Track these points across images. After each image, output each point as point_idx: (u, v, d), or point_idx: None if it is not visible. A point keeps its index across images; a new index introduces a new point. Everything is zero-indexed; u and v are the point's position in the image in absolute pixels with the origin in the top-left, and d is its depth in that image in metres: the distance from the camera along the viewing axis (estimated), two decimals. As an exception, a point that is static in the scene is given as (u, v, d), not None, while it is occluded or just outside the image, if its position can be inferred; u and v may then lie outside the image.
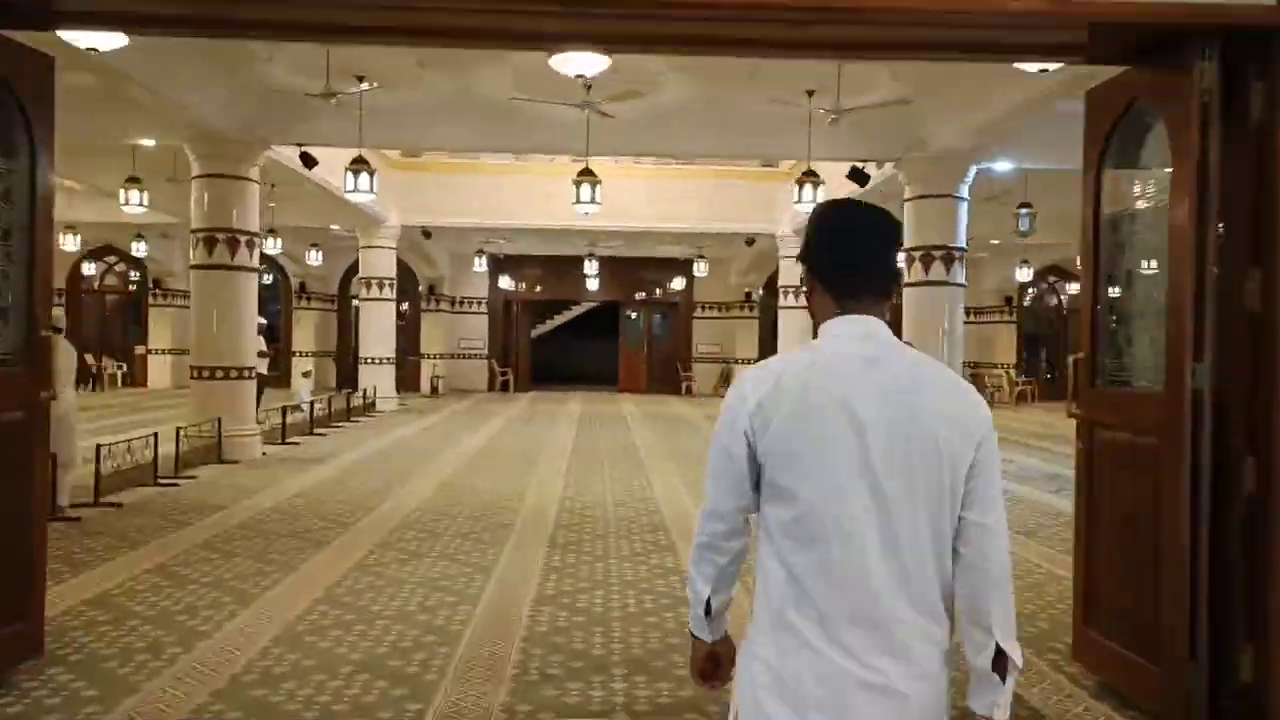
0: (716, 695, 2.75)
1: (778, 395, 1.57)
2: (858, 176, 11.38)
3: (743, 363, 25.37)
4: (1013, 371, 25.29)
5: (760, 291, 25.64)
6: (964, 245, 11.15)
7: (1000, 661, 1.57)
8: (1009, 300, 25.96)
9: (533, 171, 18.51)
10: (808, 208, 10.01)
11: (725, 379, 26.06)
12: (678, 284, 25.72)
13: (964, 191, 11.11)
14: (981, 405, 1.62)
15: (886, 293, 1.67)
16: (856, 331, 1.62)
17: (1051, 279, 26.64)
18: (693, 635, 1.77)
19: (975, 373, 26.22)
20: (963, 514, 1.58)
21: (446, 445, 12.87)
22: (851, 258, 1.65)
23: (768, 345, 25.85)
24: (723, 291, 25.85)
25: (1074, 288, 24.35)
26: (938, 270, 11.05)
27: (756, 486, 1.62)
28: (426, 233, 18.58)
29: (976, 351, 26.34)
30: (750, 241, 19.55)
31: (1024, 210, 12.56)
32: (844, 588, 1.54)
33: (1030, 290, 26.67)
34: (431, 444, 13.07)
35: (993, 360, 25.82)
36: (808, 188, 11.35)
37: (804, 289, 1.75)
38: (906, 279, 11.39)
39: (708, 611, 1.71)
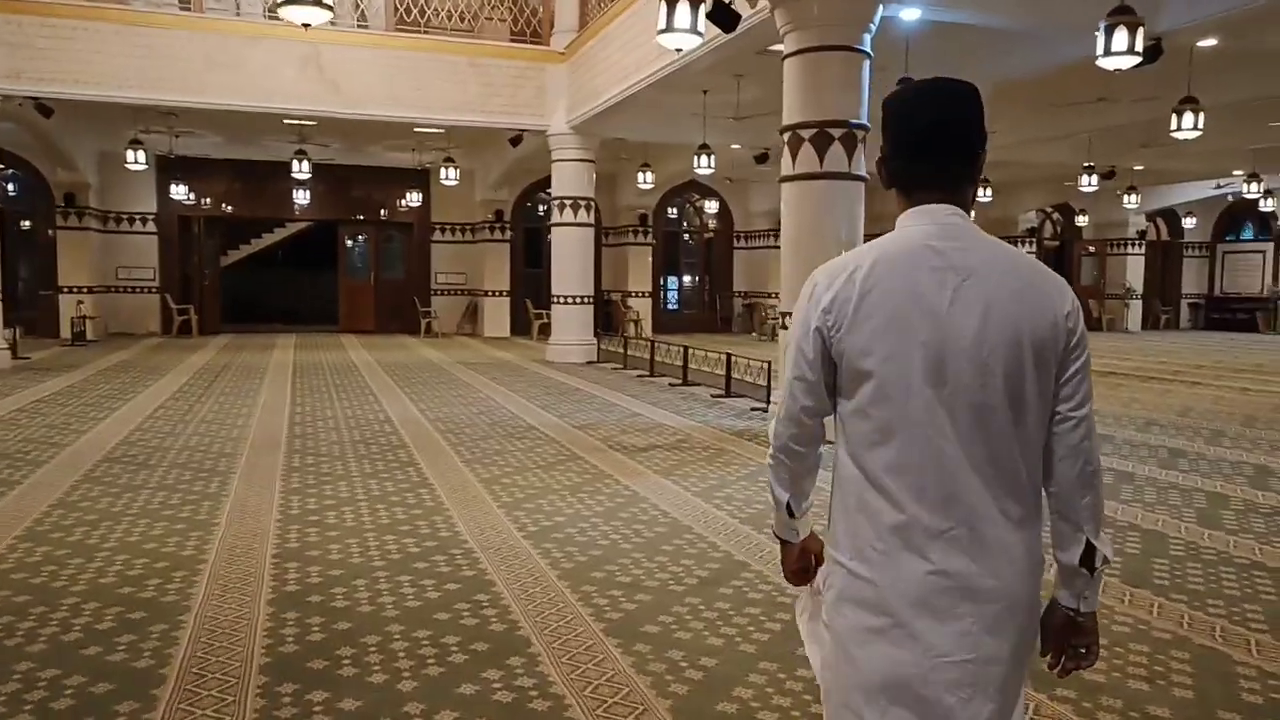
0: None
1: (849, 292, 1.52)
2: (722, 16, 7.79)
3: (494, 294, 21.33)
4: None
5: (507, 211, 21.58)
6: (867, 122, 7.95)
7: (1089, 556, 1.54)
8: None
9: (210, 27, 13.19)
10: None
11: (472, 314, 21.91)
12: (412, 200, 21.00)
13: (868, 44, 7.88)
14: (1068, 293, 1.54)
15: (960, 177, 1.57)
16: (926, 223, 1.55)
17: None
18: (779, 539, 1.77)
19: (748, 303, 24.09)
20: (1056, 407, 1.52)
21: (58, 437, 7.97)
22: (911, 144, 1.57)
23: (525, 276, 22.00)
24: (467, 210, 21.52)
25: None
26: (836, 157, 7.78)
27: (833, 390, 1.58)
28: (44, 108, 12.65)
29: (748, 280, 24.16)
30: (516, 140, 15.46)
31: (906, 89, 9.67)
32: (921, 486, 1.50)
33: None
34: (15, 441, 8.08)
35: (765, 289, 23.70)
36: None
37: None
38: (789, 170, 8.04)
39: (790, 514, 1.70)
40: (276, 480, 6.29)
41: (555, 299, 15.62)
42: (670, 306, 24.60)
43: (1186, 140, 10.99)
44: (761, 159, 16.61)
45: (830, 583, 1.63)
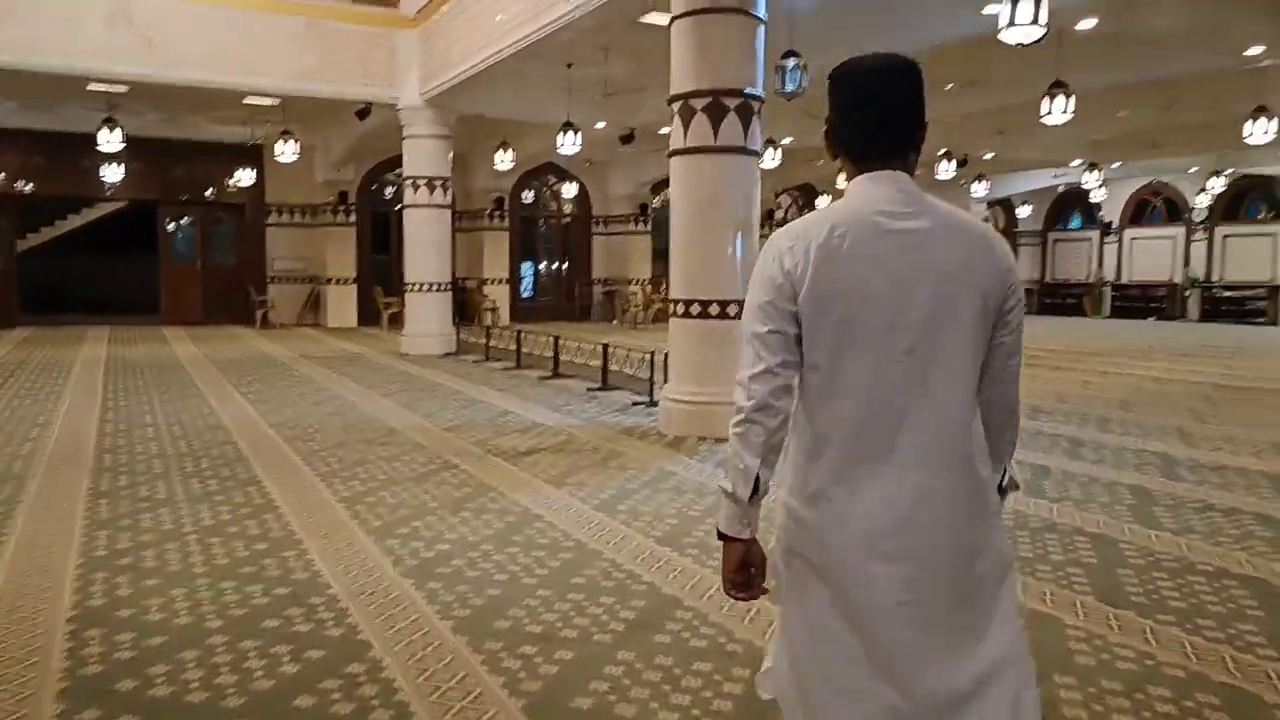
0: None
1: (809, 252, 1.59)
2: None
3: (338, 282, 19.79)
4: (649, 286, 22.78)
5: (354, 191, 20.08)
6: (762, 92, 7.35)
7: (1002, 481, 1.71)
8: (644, 208, 23.29)
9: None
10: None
11: (315, 302, 20.27)
12: (243, 179, 19.13)
13: (762, 8, 7.27)
14: (1009, 251, 1.65)
15: (901, 145, 1.64)
16: (879, 188, 1.62)
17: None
18: (724, 538, 1.69)
19: (608, 290, 23.43)
20: (992, 358, 1.64)
21: None
22: (862, 114, 1.64)
23: (373, 262, 20.52)
24: (307, 190, 19.84)
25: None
26: (731, 129, 7.14)
27: (799, 342, 1.62)
28: None
29: (608, 266, 23.52)
30: (364, 112, 14.15)
31: (791, 61, 9.13)
32: (876, 436, 1.58)
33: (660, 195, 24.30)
34: None
35: (626, 276, 23.11)
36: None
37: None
38: (679, 143, 7.35)
39: (755, 490, 1.64)
40: (79, 509, 5.10)
41: (409, 286, 14.44)
42: (527, 294, 23.64)
43: (1048, 127, 11.07)
44: (627, 139, 15.94)
45: (782, 534, 1.70)
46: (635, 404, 9.10)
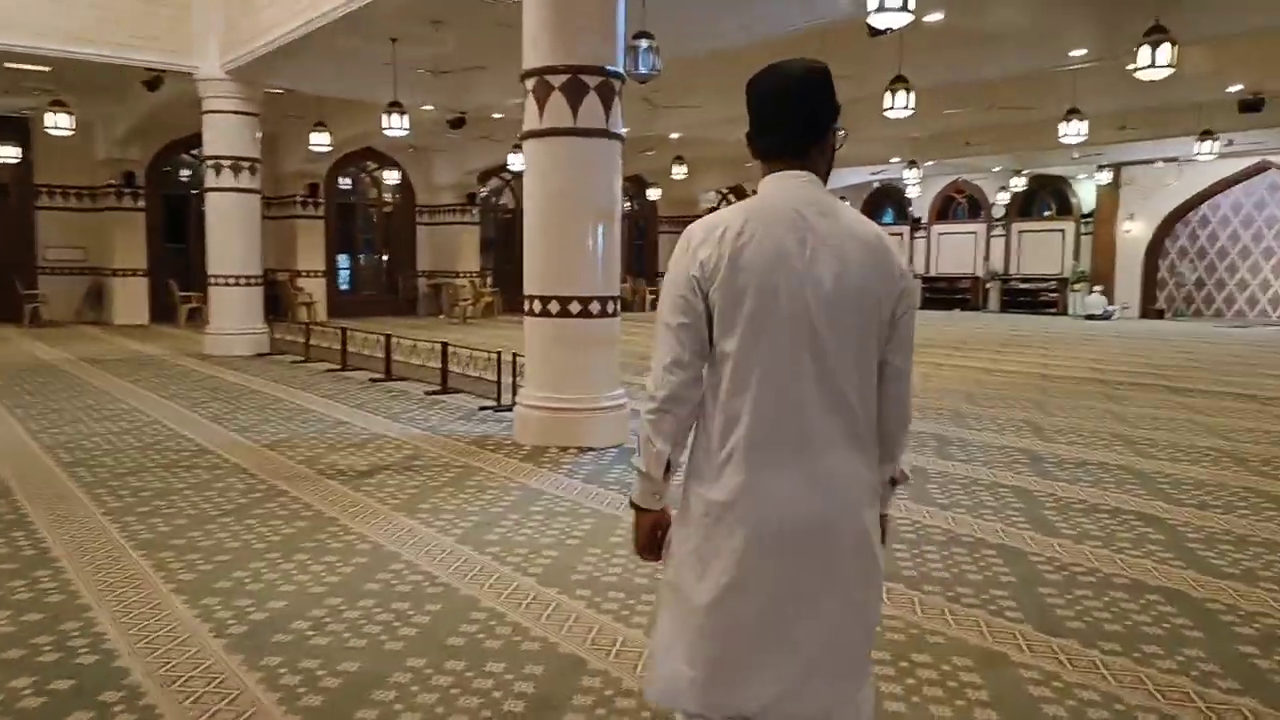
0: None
1: (723, 248, 1.65)
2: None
3: (126, 274, 17.70)
4: (478, 280, 21.84)
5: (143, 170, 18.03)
6: (623, 70, 6.79)
7: (894, 476, 1.82)
8: (472, 197, 22.26)
9: None
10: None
11: (97, 297, 18.07)
12: (6, 155, 16.69)
13: (620, -22, 6.72)
14: (902, 258, 1.73)
15: (808, 147, 1.71)
16: (789, 186, 1.70)
17: (507, 175, 23.58)
18: (637, 509, 1.79)
19: (434, 283, 22.28)
20: (885, 357, 1.72)
21: None
22: (770, 118, 1.72)
23: (168, 252, 18.49)
24: (86, 170, 17.62)
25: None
26: (592, 111, 6.54)
27: (710, 333, 1.69)
28: None
29: (433, 258, 22.37)
30: (154, 83, 12.52)
31: (644, 42, 8.58)
32: (780, 426, 1.66)
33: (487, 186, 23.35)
34: None
35: (454, 268, 22.05)
36: None
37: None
38: (534, 124, 6.68)
39: (668, 470, 1.73)
40: None
41: (213, 280, 12.95)
42: (344, 287, 22.12)
43: (875, 124, 11.17)
44: (457, 124, 15.04)
45: (692, 516, 1.75)
46: (483, 409, 8.36)
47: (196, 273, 15.69)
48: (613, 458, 6.38)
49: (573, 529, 4.74)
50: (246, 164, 12.74)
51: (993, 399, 9.17)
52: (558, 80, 6.50)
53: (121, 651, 3.21)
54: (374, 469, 6.03)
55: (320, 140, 14.87)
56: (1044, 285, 25.29)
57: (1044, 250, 25.39)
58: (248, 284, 12.93)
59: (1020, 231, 25.95)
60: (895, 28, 7.02)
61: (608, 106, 6.60)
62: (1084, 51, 10.31)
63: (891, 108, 10.44)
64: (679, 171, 19.27)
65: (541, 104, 6.56)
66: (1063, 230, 25.06)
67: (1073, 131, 12.36)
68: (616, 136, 6.71)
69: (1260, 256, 22.83)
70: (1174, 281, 23.71)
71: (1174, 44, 8.14)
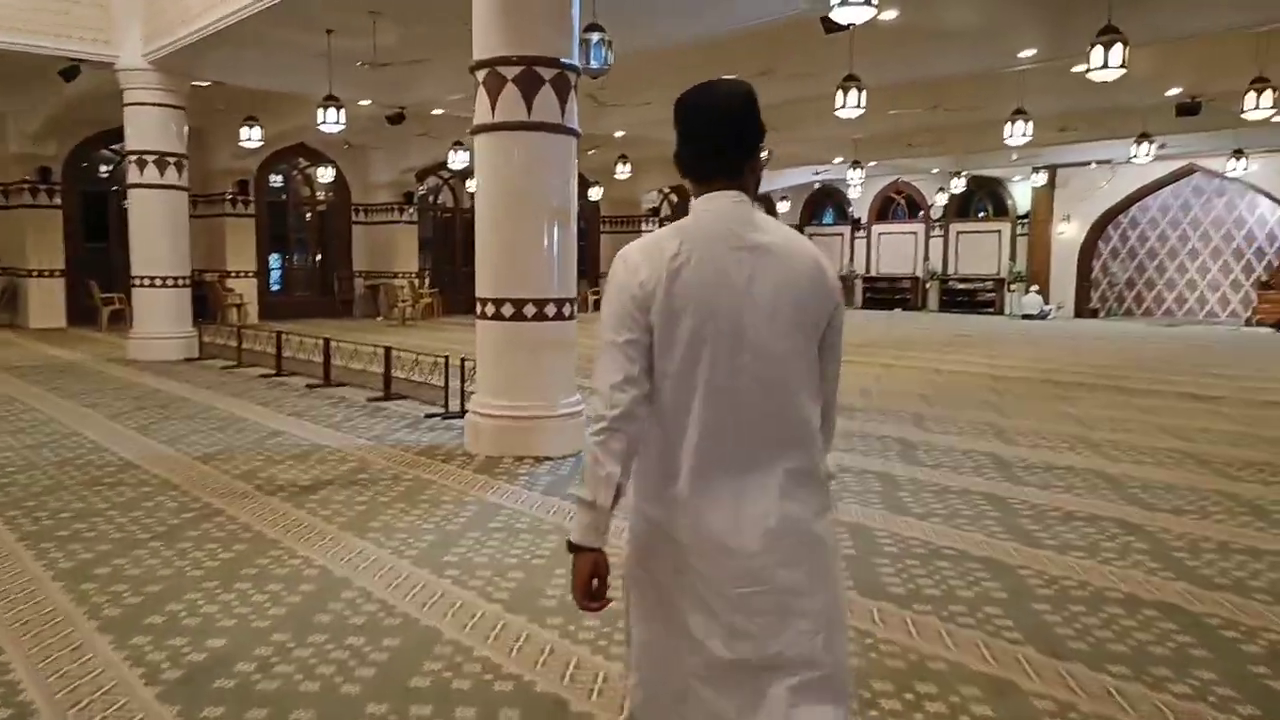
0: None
1: (662, 266, 1.67)
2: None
3: (41, 274, 16.80)
4: (417, 281, 21.28)
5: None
6: (578, 63, 6.51)
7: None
8: (409, 197, 21.68)
9: None
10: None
11: (11, 299, 17.14)
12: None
13: (575, -34, 6.43)
14: (830, 267, 1.75)
15: (740, 167, 1.74)
16: (721, 206, 1.72)
17: (445, 173, 23.04)
18: (576, 549, 1.73)
19: (371, 284, 21.66)
20: (822, 367, 1.76)
21: None
22: (699, 138, 1.75)
23: (87, 252, 17.58)
24: (-1, 165, 16.66)
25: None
26: (547, 104, 6.24)
27: (651, 351, 1.70)
28: None
29: (370, 259, 21.75)
30: (70, 73, 11.82)
31: (595, 36, 8.27)
32: (724, 443, 1.67)
33: (425, 184, 22.78)
34: None
35: (391, 269, 21.45)
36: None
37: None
38: (486, 118, 6.35)
39: (616, 497, 1.70)
40: None
41: (137, 281, 12.28)
42: (276, 288, 21.36)
43: (820, 124, 11.06)
44: (396, 120, 14.55)
45: (635, 537, 1.78)
46: (430, 417, 7.98)
47: (119, 273, 14.93)
48: (571, 467, 6.09)
49: (537, 547, 4.44)
50: (172, 159, 12.11)
51: (949, 401, 9.10)
52: (511, 72, 6.19)
53: (38, 704, 2.83)
54: (318, 484, 5.65)
55: (251, 136, 14.24)
56: (982, 285, 25.66)
57: (981, 251, 25.76)
58: (175, 285, 12.30)
59: (958, 232, 26.28)
60: (857, 22, 6.86)
61: (563, 100, 6.31)
62: (1033, 52, 10.33)
63: (843, 106, 10.31)
64: (623, 171, 19.01)
65: (493, 97, 6.24)
66: (999, 231, 25.45)
67: (1018, 132, 12.41)
68: (572, 132, 6.42)
69: (1186, 257, 23.46)
70: (1107, 281, 24.24)
71: (1126, 44, 8.15)
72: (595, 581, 1.73)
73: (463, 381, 8.00)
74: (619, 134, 17.36)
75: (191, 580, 3.94)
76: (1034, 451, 6.72)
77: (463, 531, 4.68)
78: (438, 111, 15.19)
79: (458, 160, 16.64)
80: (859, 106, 10.28)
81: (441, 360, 8.26)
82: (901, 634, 3.42)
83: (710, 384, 1.66)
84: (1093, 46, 8.29)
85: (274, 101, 14.76)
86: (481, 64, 6.30)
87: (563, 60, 6.28)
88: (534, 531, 4.70)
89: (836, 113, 10.47)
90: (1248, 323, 20.92)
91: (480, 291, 6.58)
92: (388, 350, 9.04)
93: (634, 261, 1.71)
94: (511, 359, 6.45)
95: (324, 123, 12.01)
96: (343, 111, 12.08)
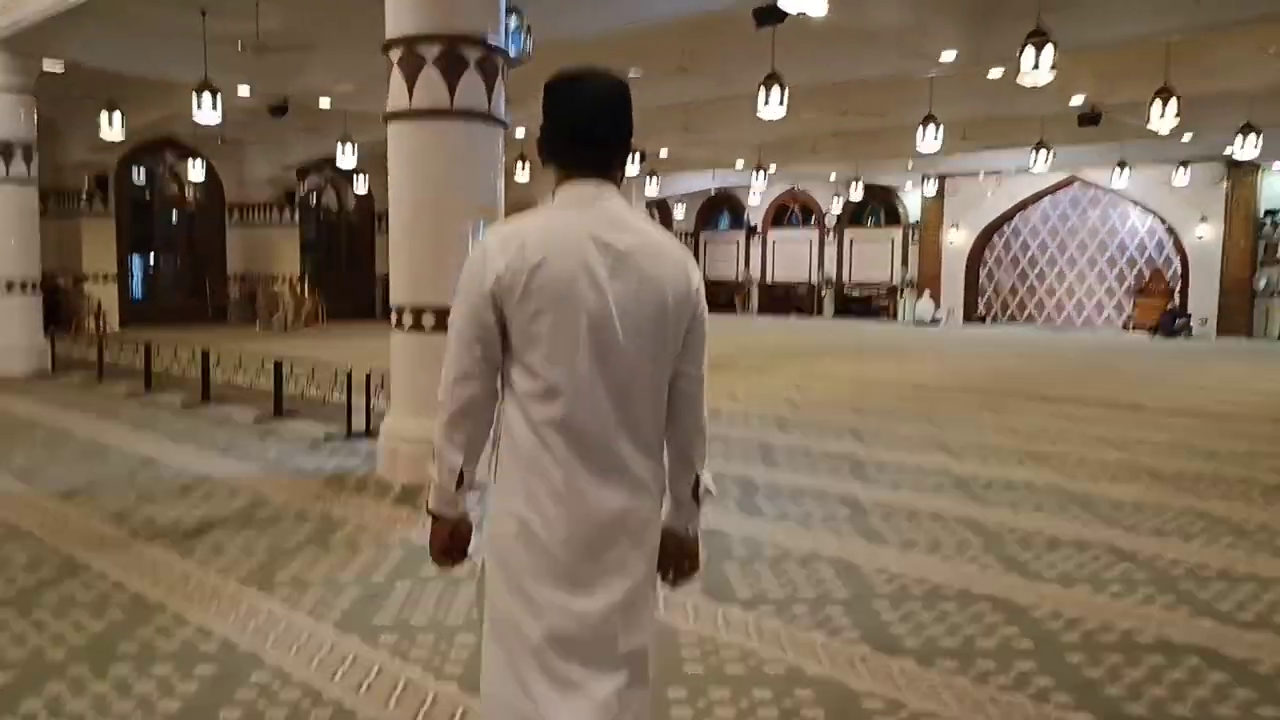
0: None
1: (522, 259, 1.62)
2: None
3: None
4: (298, 286, 19.97)
5: None
6: (506, 47, 5.84)
7: (697, 488, 1.81)
8: (290, 196, 20.33)
9: None
10: None
11: None
12: None
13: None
14: (695, 267, 1.75)
15: (611, 160, 1.71)
16: (584, 198, 1.68)
17: (329, 172, 21.76)
18: (434, 515, 1.76)
19: (248, 289, 20.21)
20: (679, 367, 1.74)
21: None
22: (573, 126, 1.69)
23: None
24: None
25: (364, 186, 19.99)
26: (472, 89, 5.55)
27: (504, 347, 1.68)
28: None
29: (246, 262, 20.30)
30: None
31: (513, 20, 7.57)
32: (583, 437, 1.65)
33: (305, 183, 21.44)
34: None
35: (270, 272, 20.07)
36: None
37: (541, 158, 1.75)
38: (401, 103, 5.62)
39: (459, 483, 1.71)
40: None
41: (-22, 285, 10.85)
42: (139, 294, 19.67)
43: (724, 126, 10.72)
44: (279, 111, 13.44)
45: (499, 530, 1.71)
46: (330, 438, 7.13)
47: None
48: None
49: (484, 602, 3.76)
50: (19, 150, 10.76)
51: (883, 413, 8.80)
52: (431, 51, 5.47)
53: None
54: (205, 525, 4.80)
55: (113, 125, 12.86)
56: (876, 292, 26.01)
57: (875, 258, 26.12)
58: (23, 290, 10.92)
59: (852, 240, 26.59)
60: (809, 13, 6.43)
61: (490, 85, 5.64)
62: (954, 55, 10.20)
63: (766, 104, 9.94)
64: (522, 174, 18.19)
65: (410, 80, 5.51)
66: (892, 239, 25.85)
67: (929, 137, 12.36)
68: (500, 122, 5.76)
69: (1065, 265, 24.31)
70: (993, 288, 24.91)
71: (1055, 46, 8.03)
72: (456, 538, 1.77)
73: (368, 398, 7.20)
74: (520, 133, 16.61)
75: (52, 665, 3.12)
76: (986, 467, 6.43)
77: (391, 582, 3.96)
78: (325, 103, 14.13)
79: (346, 158, 15.58)
80: (781, 105, 9.93)
81: (340, 374, 7.40)
82: (930, 701, 2.93)
83: (571, 380, 1.63)
84: (1023, 49, 8.15)
85: (139, 88, 13.41)
86: (396, 42, 5.57)
87: (488, 40, 5.61)
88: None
89: (759, 113, 10.09)
90: (1125, 327, 21.80)
91: (395, 298, 5.83)
92: (278, 363, 8.11)
93: (491, 253, 1.65)
94: (431, 374, 5.68)
95: (198, 112, 10.90)
96: (219, 98, 11.00)
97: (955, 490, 5.75)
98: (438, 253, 5.63)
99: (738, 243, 28.61)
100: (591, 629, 1.67)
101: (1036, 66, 8.01)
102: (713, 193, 27.69)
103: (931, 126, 12.38)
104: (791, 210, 27.77)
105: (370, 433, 7.12)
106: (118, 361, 10.20)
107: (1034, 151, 14.97)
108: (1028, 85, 8.39)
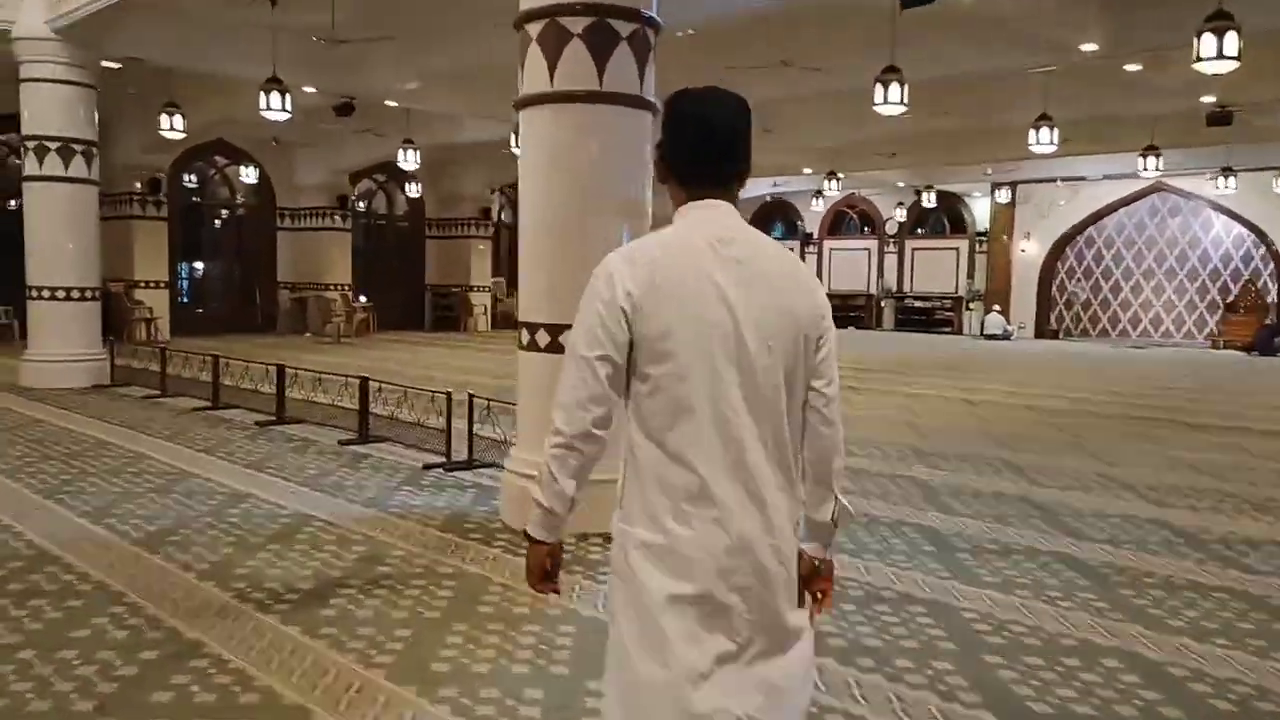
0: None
1: (649, 278, 1.60)
2: None
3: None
4: (350, 294, 19.33)
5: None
6: (656, 16, 5.03)
7: (835, 513, 1.75)
8: (342, 201, 19.69)
9: None
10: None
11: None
12: None
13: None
14: (819, 284, 1.75)
15: (733, 179, 1.72)
16: (711, 216, 1.68)
17: (381, 177, 21.15)
18: (532, 540, 1.71)
19: (299, 297, 19.57)
20: (812, 384, 1.70)
21: None
22: (700, 146, 1.69)
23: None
24: None
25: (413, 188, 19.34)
26: (622, 69, 4.74)
27: (628, 367, 1.64)
28: None
29: (297, 269, 19.67)
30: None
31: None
32: (715, 459, 1.61)
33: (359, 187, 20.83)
34: None
35: (321, 280, 19.43)
36: None
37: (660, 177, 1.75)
38: (541, 85, 4.82)
39: (570, 508, 1.67)
40: None
41: (34, 292, 10.22)
42: (185, 300, 19.10)
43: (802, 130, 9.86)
44: (344, 110, 12.76)
45: (624, 557, 1.66)
46: (430, 468, 6.35)
47: (10, 282, 12.73)
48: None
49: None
50: (80, 148, 10.12)
51: (1023, 441, 7.89)
52: (578, 24, 4.68)
53: None
54: (324, 586, 4.00)
55: (173, 125, 12.24)
56: (939, 304, 24.99)
57: (938, 269, 25.11)
58: (82, 298, 10.27)
59: (914, 249, 25.61)
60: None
61: (642, 64, 4.84)
62: (1094, 46, 9.29)
63: (883, 102, 9.10)
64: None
65: (553, 58, 4.71)
66: (956, 249, 24.85)
67: (1044, 140, 11.44)
68: (650, 106, 4.94)
69: (1141, 277, 23.19)
70: (1064, 301, 23.81)
71: (1239, 31, 7.12)
72: (552, 563, 1.71)
73: (470, 421, 6.42)
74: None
75: (181, 812, 2.31)
76: (1200, 516, 5.50)
77: (577, 679, 3.13)
78: (391, 103, 13.44)
79: (408, 160, 14.89)
80: (901, 101, 9.08)
81: (440, 396, 6.61)
82: None
83: (702, 401, 1.60)
84: (1201, 34, 7.24)
85: (193, 88, 12.80)
86: (536, 13, 4.77)
87: (643, 11, 4.81)
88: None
89: (875, 108, 9.25)
90: (1214, 345, 20.63)
91: (526, 314, 5.03)
92: (364, 381, 7.33)
93: (618, 272, 1.61)
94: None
95: (267, 109, 10.24)
96: (289, 98, 10.34)
97: (1190, 549, 4.84)
98: (581, 261, 4.77)
99: (793, 252, 27.66)
100: (728, 654, 1.62)
101: (1220, 54, 7.09)
102: (767, 199, 26.83)
103: (1045, 128, 11.46)
104: (849, 218, 26.84)
105: (473, 463, 6.34)
106: (180, 374, 9.51)
107: (1142, 156, 13.99)
108: (1208, 73, 7.46)
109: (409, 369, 11.94)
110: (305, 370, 8.34)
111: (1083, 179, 21.12)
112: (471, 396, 6.43)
